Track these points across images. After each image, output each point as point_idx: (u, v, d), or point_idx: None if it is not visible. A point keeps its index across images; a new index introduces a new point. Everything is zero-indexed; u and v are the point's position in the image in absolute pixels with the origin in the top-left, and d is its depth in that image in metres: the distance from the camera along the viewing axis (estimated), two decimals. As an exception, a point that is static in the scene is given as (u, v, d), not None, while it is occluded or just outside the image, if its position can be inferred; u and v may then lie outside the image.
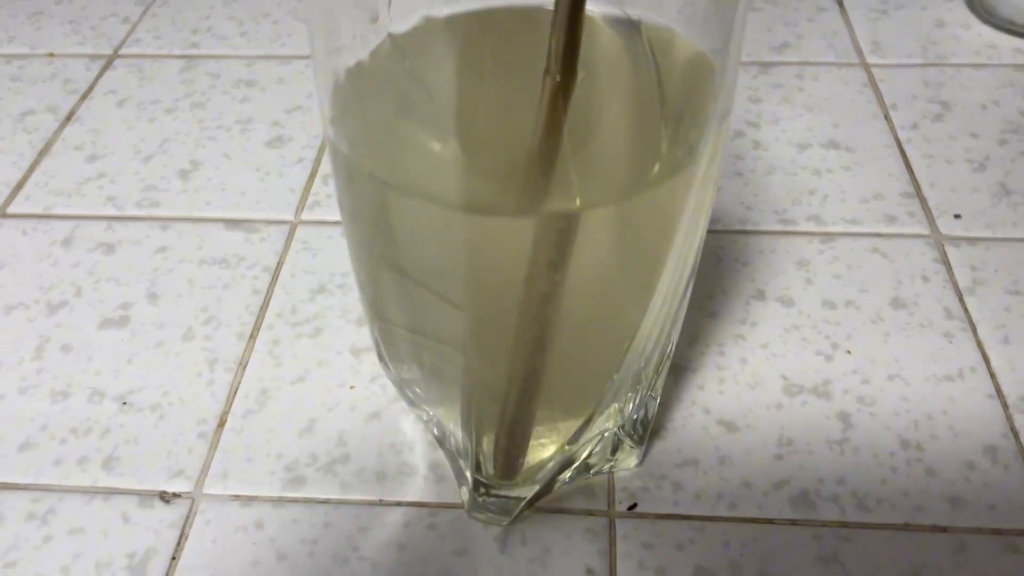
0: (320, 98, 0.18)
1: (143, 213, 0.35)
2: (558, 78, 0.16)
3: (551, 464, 0.23)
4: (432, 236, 0.18)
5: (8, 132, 0.39)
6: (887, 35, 0.42)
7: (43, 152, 0.38)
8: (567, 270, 0.17)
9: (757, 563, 0.24)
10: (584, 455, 0.25)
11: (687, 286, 0.22)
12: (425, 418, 0.26)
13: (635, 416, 0.25)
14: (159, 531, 0.25)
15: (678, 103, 0.17)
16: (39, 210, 0.35)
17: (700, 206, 0.18)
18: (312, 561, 0.24)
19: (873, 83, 0.39)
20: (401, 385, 0.25)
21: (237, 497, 0.26)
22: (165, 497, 0.26)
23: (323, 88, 0.18)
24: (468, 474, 0.24)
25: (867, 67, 0.40)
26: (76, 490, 0.26)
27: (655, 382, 0.25)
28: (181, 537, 0.25)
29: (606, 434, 0.25)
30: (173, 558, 0.24)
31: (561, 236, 0.17)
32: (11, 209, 0.35)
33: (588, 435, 0.23)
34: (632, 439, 0.26)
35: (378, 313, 0.22)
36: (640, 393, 0.25)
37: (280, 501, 0.26)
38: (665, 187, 0.17)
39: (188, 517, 0.25)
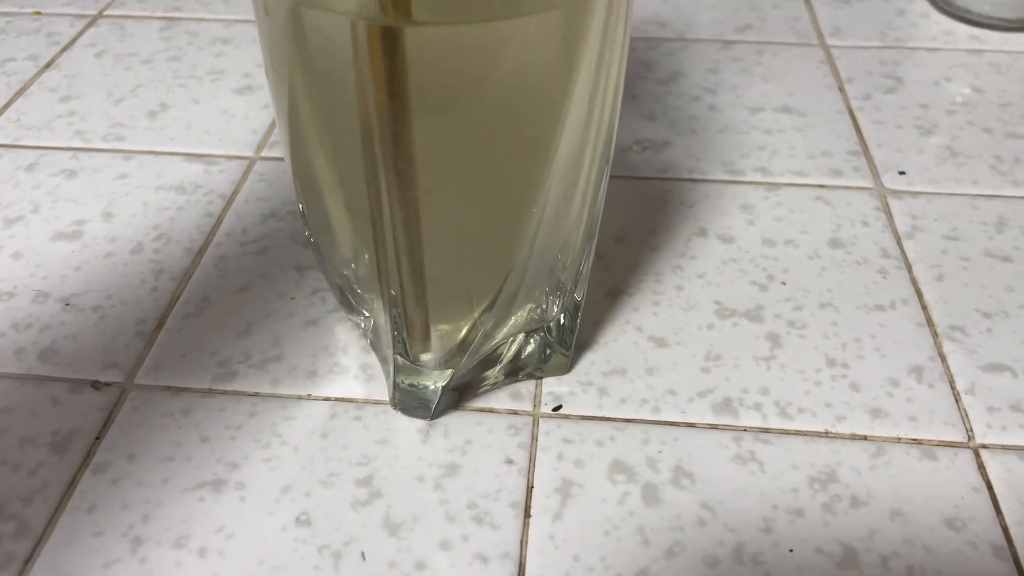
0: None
1: (108, 146, 0.35)
2: None
3: (467, 348, 0.23)
4: (333, 51, 0.18)
5: (-13, 75, 0.40)
6: (848, 21, 0.43)
7: (19, 93, 0.39)
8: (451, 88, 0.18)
9: (674, 459, 0.24)
10: (510, 354, 0.25)
11: (600, 177, 0.23)
12: (362, 325, 0.27)
13: (562, 322, 0.26)
14: (87, 414, 0.25)
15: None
16: (8, 141, 0.36)
17: (601, 58, 0.19)
18: (234, 444, 0.24)
19: (831, 60, 0.40)
20: (340, 287, 0.26)
21: (168, 388, 0.26)
22: (97, 386, 0.26)
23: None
24: (390, 355, 0.24)
25: (826, 48, 0.41)
26: (9, 376, 0.26)
27: (575, 286, 0.25)
28: (108, 420, 0.25)
29: (532, 337, 0.25)
30: (97, 438, 0.25)
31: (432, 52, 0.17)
32: (-19, 140, 0.36)
33: (504, 326, 0.24)
34: (561, 346, 0.26)
35: (305, 181, 0.23)
36: (563, 299, 0.25)
37: (209, 392, 0.26)
38: (556, 13, 0.18)
39: (117, 403, 0.25)
